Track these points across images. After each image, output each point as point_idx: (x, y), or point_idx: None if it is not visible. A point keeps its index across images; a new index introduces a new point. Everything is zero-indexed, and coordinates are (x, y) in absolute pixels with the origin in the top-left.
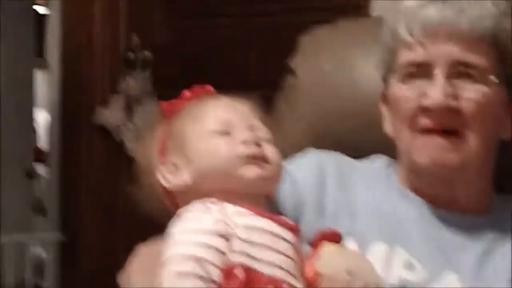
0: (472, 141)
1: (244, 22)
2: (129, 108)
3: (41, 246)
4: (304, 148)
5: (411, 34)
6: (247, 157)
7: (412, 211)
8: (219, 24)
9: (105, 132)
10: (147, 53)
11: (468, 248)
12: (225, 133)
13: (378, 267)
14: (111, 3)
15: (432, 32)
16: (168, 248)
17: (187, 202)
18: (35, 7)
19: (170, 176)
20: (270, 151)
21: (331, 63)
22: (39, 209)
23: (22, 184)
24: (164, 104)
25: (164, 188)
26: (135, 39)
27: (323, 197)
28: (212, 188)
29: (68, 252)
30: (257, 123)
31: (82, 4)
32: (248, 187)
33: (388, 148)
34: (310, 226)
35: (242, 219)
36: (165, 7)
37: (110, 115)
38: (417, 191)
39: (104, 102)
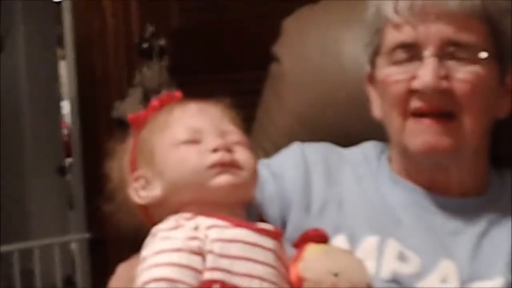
0: (467, 123)
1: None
2: (147, 100)
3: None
4: (295, 138)
5: (398, 13)
6: (217, 165)
7: (405, 198)
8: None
9: (124, 125)
10: (162, 42)
11: (465, 232)
12: (194, 141)
13: (370, 262)
14: None
15: (420, 11)
16: (140, 271)
17: (161, 216)
18: None
19: (142, 191)
20: (242, 155)
21: (316, 47)
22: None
23: (54, 181)
24: (132, 116)
25: (138, 204)
26: (149, 28)
27: (309, 193)
28: (185, 200)
29: (97, 248)
30: (229, 127)
31: None
32: (221, 196)
33: (380, 133)
34: (298, 224)
35: (216, 231)
36: None
37: (128, 108)
38: (410, 176)
39: (122, 95)
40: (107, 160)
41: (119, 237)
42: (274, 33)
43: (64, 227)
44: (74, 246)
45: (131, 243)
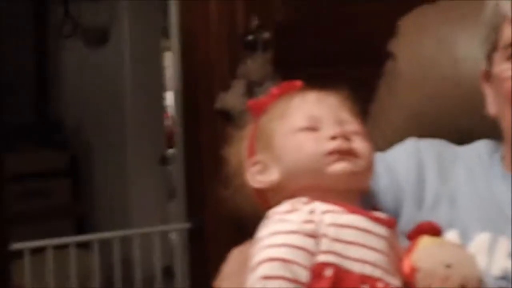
0: None
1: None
2: (250, 92)
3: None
4: (407, 134)
5: None
6: (334, 153)
7: None
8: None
9: (227, 116)
10: (267, 34)
11: None
12: (313, 129)
13: (481, 258)
14: None
15: None
16: (255, 252)
17: (278, 201)
18: None
19: (259, 175)
20: (359, 144)
21: (432, 46)
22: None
23: (156, 171)
24: (252, 102)
25: (254, 188)
26: (254, 20)
27: (423, 188)
28: (301, 186)
29: (196, 239)
30: (347, 116)
31: None
32: (337, 183)
33: (494, 130)
34: (410, 218)
35: (331, 216)
36: None
37: (231, 99)
38: None
39: (225, 87)
40: (225, 146)
41: (218, 228)
42: (384, 31)
43: (164, 217)
44: (173, 236)
45: (230, 234)
